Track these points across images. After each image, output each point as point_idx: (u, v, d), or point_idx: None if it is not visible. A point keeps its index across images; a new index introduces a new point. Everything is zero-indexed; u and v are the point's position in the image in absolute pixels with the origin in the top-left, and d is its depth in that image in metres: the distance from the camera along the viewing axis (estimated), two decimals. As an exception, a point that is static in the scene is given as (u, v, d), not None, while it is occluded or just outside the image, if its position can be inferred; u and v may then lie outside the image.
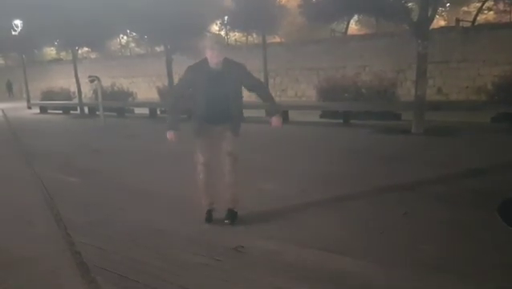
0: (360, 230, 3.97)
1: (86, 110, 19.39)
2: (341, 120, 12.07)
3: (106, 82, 20.86)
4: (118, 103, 18.32)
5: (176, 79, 15.99)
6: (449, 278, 3.00)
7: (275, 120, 4.22)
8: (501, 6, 21.64)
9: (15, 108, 23.83)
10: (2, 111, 21.04)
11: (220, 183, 4.23)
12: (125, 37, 30.33)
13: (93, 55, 34.21)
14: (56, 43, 22.11)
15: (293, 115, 13.34)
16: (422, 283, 2.98)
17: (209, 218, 4.27)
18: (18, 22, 22.24)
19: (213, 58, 3.96)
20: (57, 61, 35.95)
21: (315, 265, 3.29)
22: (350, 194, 5.05)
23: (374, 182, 5.54)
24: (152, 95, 23.66)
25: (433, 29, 13.85)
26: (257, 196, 5.01)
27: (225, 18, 17.88)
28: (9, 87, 38.01)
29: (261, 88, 4.35)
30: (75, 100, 21.00)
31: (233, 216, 4.25)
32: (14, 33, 22.42)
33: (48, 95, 23.27)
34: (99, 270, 3.30)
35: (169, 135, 4.20)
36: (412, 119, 9.68)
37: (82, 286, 3.09)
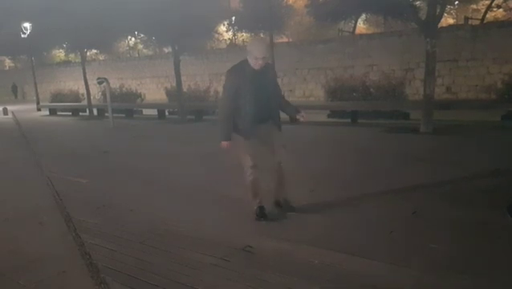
0: (370, 230, 3.95)
1: (95, 112, 19.50)
2: (349, 120, 12.02)
3: (114, 83, 21.07)
4: (126, 104, 18.44)
5: (184, 80, 16.09)
6: (462, 278, 2.98)
7: (303, 115, 4.37)
8: (510, 4, 21.44)
9: (25, 110, 24.04)
10: (12, 113, 21.24)
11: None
12: (133, 38, 30.47)
13: (101, 57, 34.46)
14: (65, 45, 22.28)
15: (301, 115, 13.32)
16: (434, 283, 2.96)
17: (264, 214, 4.30)
18: (27, 24, 22.42)
19: (258, 64, 4.07)
20: (66, 63, 36.24)
21: (325, 265, 3.27)
22: (359, 194, 5.03)
23: (383, 182, 5.51)
24: (160, 96, 23.80)
25: (442, 27, 13.73)
26: (265, 195, 5.00)
27: (233, 18, 17.91)
28: (14, 89, 38.39)
29: (280, 98, 4.50)
30: (84, 102, 21.15)
31: (291, 206, 4.48)
32: (23, 36, 22.61)
33: (57, 97, 23.50)
34: (108, 270, 3.32)
35: (225, 144, 4.25)
36: (420, 118, 9.62)
37: (92, 286, 3.11)
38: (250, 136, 4.19)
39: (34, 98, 25.56)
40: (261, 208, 4.33)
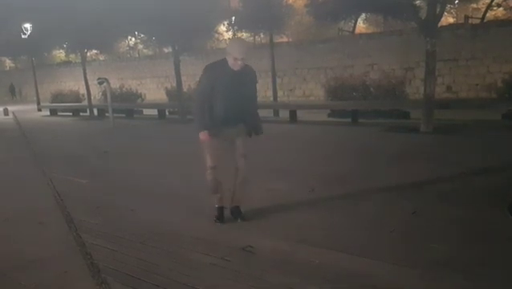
0: (370, 230, 3.95)
1: (95, 112, 19.51)
2: (349, 119, 12.02)
3: (115, 83, 21.08)
4: (127, 104, 18.44)
5: (184, 80, 16.10)
6: (461, 277, 2.99)
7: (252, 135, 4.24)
8: (510, 3, 21.42)
9: (25, 111, 24.06)
10: (13, 113, 21.25)
11: (226, 181, 4.26)
12: (133, 38, 30.48)
13: (102, 57, 34.46)
14: (65, 46, 22.29)
15: (301, 114, 13.34)
16: (434, 282, 2.96)
17: (221, 217, 4.28)
18: (27, 25, 22.43)
19: (237, 65, 3.98)
20: (66, 63, 36.25)
21: (325, 264, 3.28)
22: (359, 193, 5.04)
23: (383, 181, 5.51)
24: (160, 96, 23.80)
25: (442, 26, 13.74)
26: (266, 195, 5.02)
27: (233, 18, 17.89)
28: (12, 90, 38.43)
29: (255, 105, 4.35)
30: (85, 102, 21.16)
31: (240, 212, 4.34)
32: (23, 36, 22.61)
33: (58, 97, 23.50)
34: (109, 270, 3.33)
35: (203, 135, 4.12)
36: (421, 117, 9.62)
37: (93, 287, 3.11)
38: (216, 135, 4.09)
39: (35, 98, 25.58)
40: (219, 209, 4.31)
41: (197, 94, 4.29)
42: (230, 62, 3.99)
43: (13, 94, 38.42)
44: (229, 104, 4.02)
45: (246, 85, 4.13)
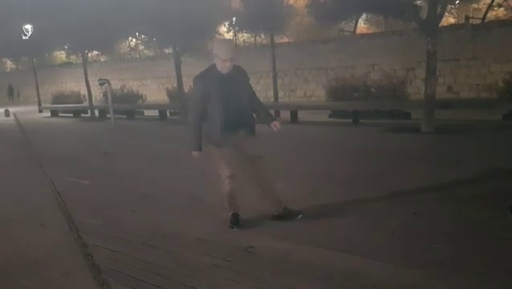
0: (371, 230, 3.95)
1: (96, 113, 19.53)
2: (350, 120, 12.02)
3: (116, 84, 21.09)
4: (128, 105, 18.46)
5: (185, 81, 16.10)
6: (464, 278, 2.98)
7: (276, 124, 4.18)
8: (511, 3, 21.42)
9: (26, 112, 24.10)
10: (14, 114, 21.28)
11: (249, 188, 4.20)
12: (134, 39, 30.51)
13: (103, 58, 34.51)
14: (66, 47, 22.32)
15: (302, 115, 13.34)
16: (434, 282, 2.96)
17: (236, 222, 4.16)
18: (28, 26, 22.47)
19: (226, 67, 3.89)
20: (67, 65, 36.30)
21: (326, 265, 3.28)
22: (360, 194, 5.03)
23: (384, 182, 5.51)
24: (161, 96, 23.83)
25: (443, 26, 13.75)
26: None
27: (234, 19, 17.90)
28: (10, 91, 38.50)
29: (257, 99, 4.30)
30: (86, 103, 21.18)
31: (292, 211, 4.25)
32: (24, 37, 22.65)
33: (59, 98, 23.53)
34: (110, 271, 3.33)
35: (195, 154, 4.09)
36: (422, 117, 9.61)
37: (94, 287, 3.11)
38: (223, 144, 3.98)
39: (36, 99, 25.61)
40: (234, 215, 4.20)
41: (191, 109, 4.13)
42: (219, 65, 3.89)
43: (10, 95, 38.48)
44: (226, 110, 3.90)
45: (239, 87, 4.02)
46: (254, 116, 4.25)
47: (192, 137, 4.08)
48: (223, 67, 3.88)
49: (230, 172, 4.07)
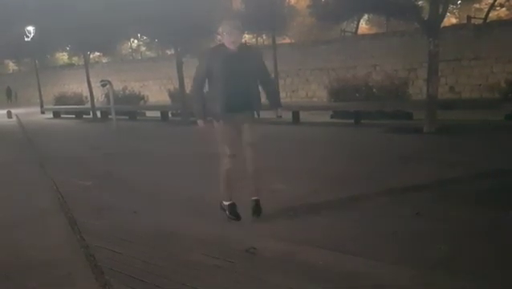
0: (373, 230, 3.94)
1: (98, 114, 19.56)
2: (352, 120, 12.01)
3: (117, 86, 21.07)
4: (130, 106, 18.48)
5: (186, 82, 16.10)
6: (464, 279, 2.97)
7: (278, 114, 4.23)
8: (513, 3, 21.41)
9: (29, 113, 24.14)
10: (16, 116, 21.33)
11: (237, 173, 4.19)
12: (136, 41, 30.56)
13: (105, 60, 34.60)
14: (68, 48, 22.38)
15: (304, 116, 13.33)
16: (435, 283, 2.95)
17: (235, 213, 4.15)
18: (30, 28, 22.52)
19: (231, 42, 3.88)
20: (69, 66, 36.41)
21: (328, 265, 3.27)
22: (362, 194, 5.02)
23: (386, 182, 5.50)
24: (163, 97, 23.83)
25: (444, 27, 13.75)
26: (268, 196, 5.00)
27: (235, 19, 17.92)
28: (8, 93, 38.62)
29: (271, 83, 4.26)
30: (88, 105, 21.20)
31: (259, 208, 4.24)
32: (26, 39, 22.71)
33: (61, 99, 23.56)
34: (113, 272, 3.33)
35: (201, 124, 4.10)
36: (423, 118, 9.60)
37: (96, 288, 3.12)
38: (224, 120, 3.95)
39: (38, 101, 25.66)
40: (231, 205, 4.15)
41: (192, 81, 4.14)
42: (226, 41, 3.90)
43: (9, 97, 38.61)
44: (231, 87, 3.88)
45: (249, 65, 3.95)
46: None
47: (194, 108, 4.13)
48: (230, 41, 3.88)
49: (232, 152, 4.04)
